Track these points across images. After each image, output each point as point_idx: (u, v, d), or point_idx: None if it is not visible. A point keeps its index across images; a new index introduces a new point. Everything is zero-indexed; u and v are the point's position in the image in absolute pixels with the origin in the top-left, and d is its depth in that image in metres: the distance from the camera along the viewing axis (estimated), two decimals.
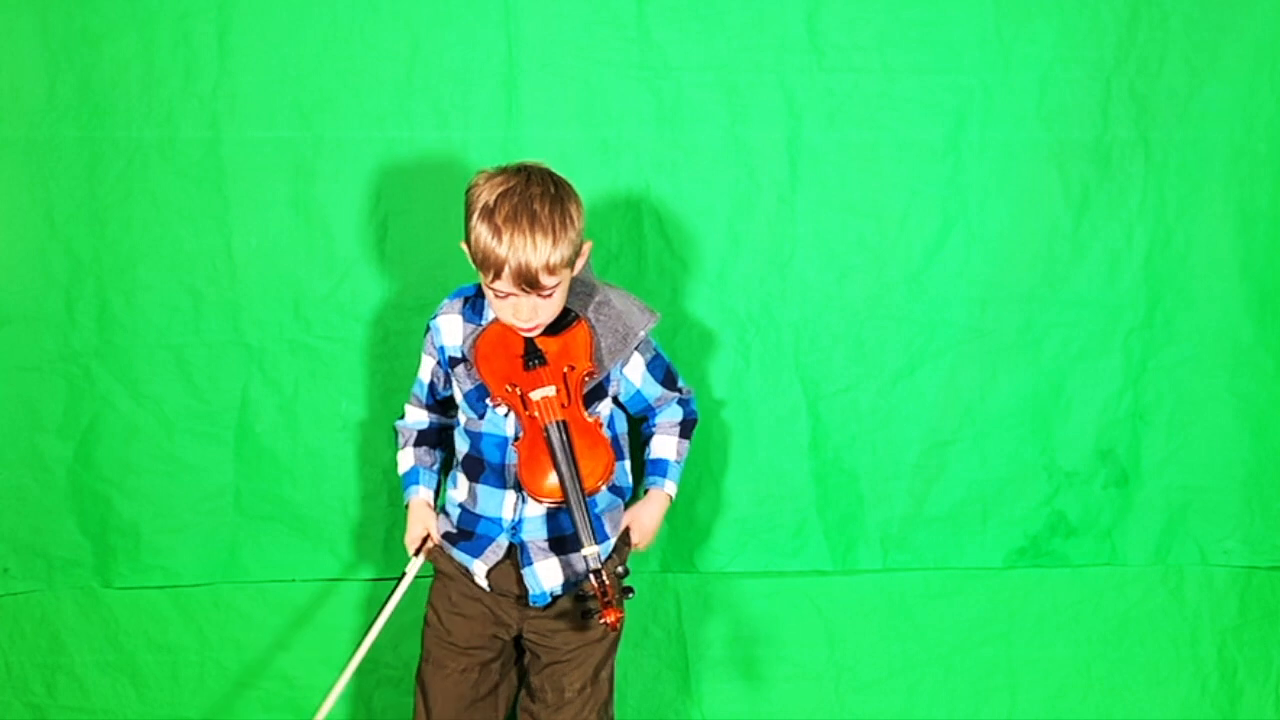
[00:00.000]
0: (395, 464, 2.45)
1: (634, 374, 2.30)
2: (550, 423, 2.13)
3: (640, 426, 2.43)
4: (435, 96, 2.54)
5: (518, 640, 2.34)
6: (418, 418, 2.38)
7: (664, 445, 2.37)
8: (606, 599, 2.04)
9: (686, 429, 2.40)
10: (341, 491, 2.64)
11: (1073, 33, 2.59)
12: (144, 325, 2.56)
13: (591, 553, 2.08)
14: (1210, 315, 2.67)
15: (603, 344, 2.23)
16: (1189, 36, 2.59)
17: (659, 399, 2.36)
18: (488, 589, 2.27)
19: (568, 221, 2.10)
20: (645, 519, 2.36)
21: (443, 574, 2.33)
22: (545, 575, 2.23)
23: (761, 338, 2.64)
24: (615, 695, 2.41)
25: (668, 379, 2.36)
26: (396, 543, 2.50)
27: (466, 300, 2.29)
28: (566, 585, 2.24)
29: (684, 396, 2.40)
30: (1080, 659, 2.73)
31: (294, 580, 2.66)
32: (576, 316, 2.23)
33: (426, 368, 2.34)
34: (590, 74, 2.55)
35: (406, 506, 2.36)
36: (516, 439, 2.21)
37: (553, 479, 2.12)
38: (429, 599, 2.37)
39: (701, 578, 2.69)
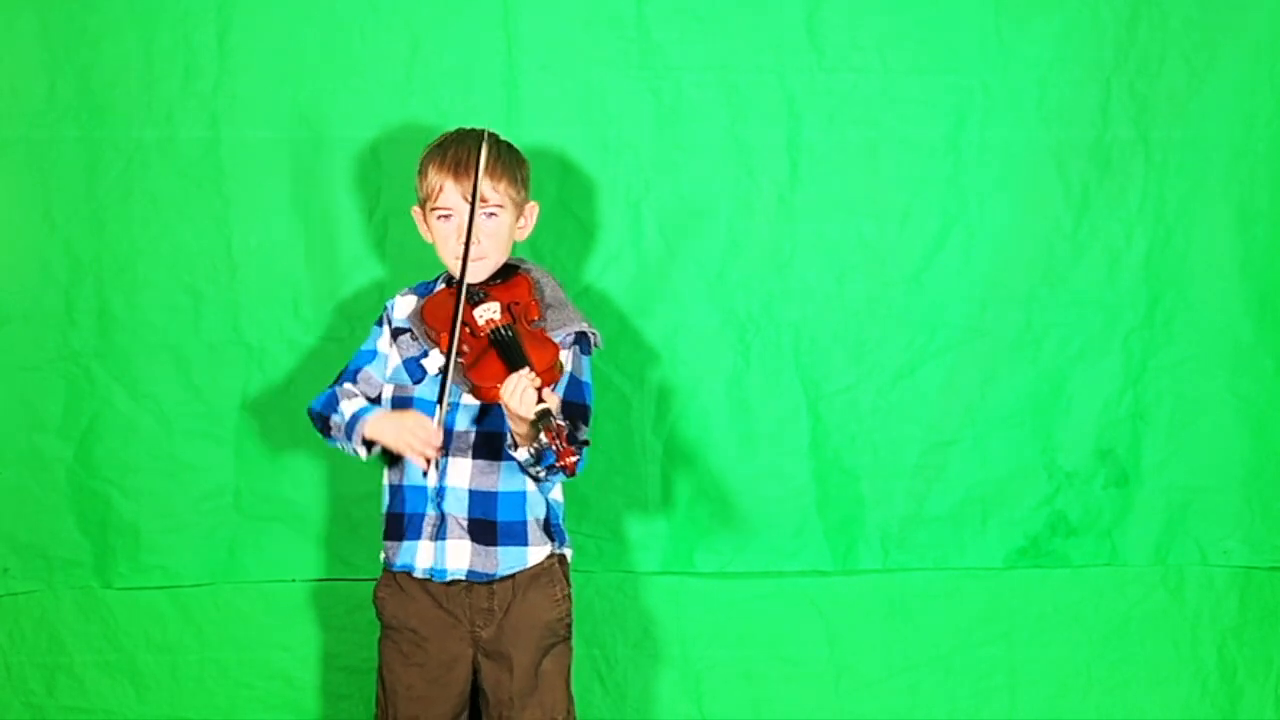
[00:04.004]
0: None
1: (564, 356, 2.22)
2: (495, 326, 2.12)
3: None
4: (435, 96, 2.55)
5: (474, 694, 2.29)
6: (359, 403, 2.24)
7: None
8: (561, 442, 1.96)
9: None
10: (341, 491, 2.64)
11: (1073, 33, 2.59)
12: (144, 325, 2.57)
13: (553, 403, 2.02)
14: (1210, 315, 2.68)
15: (546, 301, 2.23)
16: (1189, 36, 2.60)
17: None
18: (427, 577, 2.20)
19: (512, 155, 2.23)
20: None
21: (389, 629, 2.27)
22: (453, 554, 2.19)
23: (761, 338, 2.64)
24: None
25: (579, 394, 2.23)
26: None
27: (418, 286, 2.32)
28: (471, 574, 2.19)
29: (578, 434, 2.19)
30: (1080, 659, 2.73)
31: (294, 580, 2.66)
32: (518, 271, 2.26)
33: (382, 338, 2.28)
34: (590, 74, 2.56)
35: (368, 443, 2.16)
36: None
37: (500, 366, 2.06)
38: (379, 673, 2.28)
39: (701, 578, 2.69)
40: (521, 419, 2.02)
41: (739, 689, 2.70)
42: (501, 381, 2.04)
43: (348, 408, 2.22)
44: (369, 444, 2.19)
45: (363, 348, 2.30)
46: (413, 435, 2.11)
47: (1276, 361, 2.70)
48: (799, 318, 2.64)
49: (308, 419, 2.60)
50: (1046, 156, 2.62)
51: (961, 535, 2.71)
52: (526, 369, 2.03)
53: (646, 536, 2.68)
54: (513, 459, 2.12)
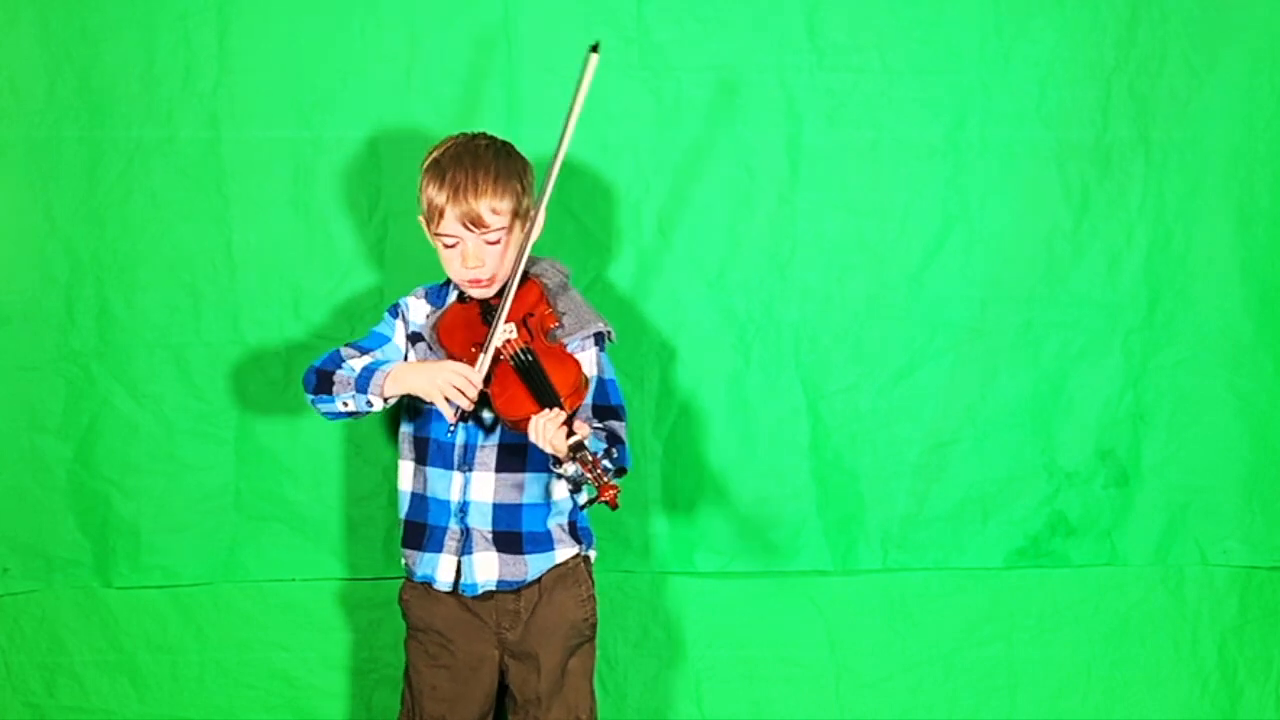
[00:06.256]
0: (395, 468, 2.34)
1: (587, 360, 2.23)
2: (515, 350, 2.11)
3: None
4: (435, 96, 2.54)
5: (500, 693, 2.31)
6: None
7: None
8: (597, 474, 1.96)
9: (612, 442, 2.18)
10: (341, 491, 2.64)
11: (1073, 33, 2.59)
12: (144, 325, 2.56)
13: (584, 433, 2.01)
14: (1210, 315, 2.68)
15: (561, 309, 2.23)
16: (1189, 36, 2.60)
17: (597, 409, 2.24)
18: (450, 589, 2.22)
19: (512, 166, 2.19)
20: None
21: (414, 629, 2.29)
22: (481, 567, 2.20)
23: (761, 338, 2.64)
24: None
25: (606, 394, 2.25)
26: (396, 543, 2.48)
27: (430, 290, 2.33)
28: (501, 584, 2.21)
29: (616, 430, 2.22)
30: (1080, 659, 2.73)
31: (294, 580, 2.66)
32: (527, 275, 2.24)
33: (397, 331, 2.29)
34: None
35: (384, 398, 2.13)
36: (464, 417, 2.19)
37: (525, 394, 2.07)
38: (405, 674, 2.32)
39: (701, 578, 2.69)
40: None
41: (739, 689, 2.70)
42: (531, 412, 2.04)
43: (357, 364, 2.21)
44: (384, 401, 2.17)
45: (376, 329, 2.30)
46: (448, 382, 2.08)
47: (1276, 361, 2.70)
48: (799, 318, 2.64)
49: (308, 419, 2.60)
50: (1046, 156, 2.62)
51: (961, 535, 2.71)
52: (551, 409, 2.02)
53: (646, 536, 2.68)
54: (558, 475, 2.11)
